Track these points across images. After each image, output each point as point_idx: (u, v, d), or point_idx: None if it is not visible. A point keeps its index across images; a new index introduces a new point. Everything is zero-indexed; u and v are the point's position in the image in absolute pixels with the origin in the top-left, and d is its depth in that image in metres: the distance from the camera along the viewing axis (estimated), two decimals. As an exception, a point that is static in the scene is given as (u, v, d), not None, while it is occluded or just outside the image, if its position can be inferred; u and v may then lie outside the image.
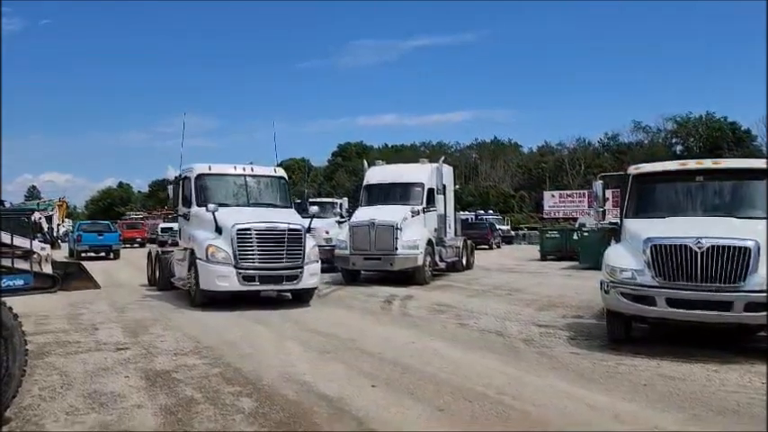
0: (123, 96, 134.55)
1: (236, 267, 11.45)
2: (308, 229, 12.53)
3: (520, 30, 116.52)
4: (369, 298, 13.59)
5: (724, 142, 60.67)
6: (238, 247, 11.49)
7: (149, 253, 17.12)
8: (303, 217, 13.15)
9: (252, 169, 13.50)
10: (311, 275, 12.13)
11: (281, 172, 14.01)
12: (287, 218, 12.31)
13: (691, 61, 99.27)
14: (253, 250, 11.59)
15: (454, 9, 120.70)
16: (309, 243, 12.25)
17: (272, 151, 13.14)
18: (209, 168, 13.15)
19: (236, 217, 11.85)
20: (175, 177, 14.08)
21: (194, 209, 12.72)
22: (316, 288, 12.73)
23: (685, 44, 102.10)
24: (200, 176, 12.97)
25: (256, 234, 11.62)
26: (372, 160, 20.73)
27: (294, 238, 11.90)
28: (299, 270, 11.86)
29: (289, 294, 12.87)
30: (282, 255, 11.74)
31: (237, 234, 11.52)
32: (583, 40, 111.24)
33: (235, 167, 13.34)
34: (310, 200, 15.87)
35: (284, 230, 11.83)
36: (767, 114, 55.01)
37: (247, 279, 11.56)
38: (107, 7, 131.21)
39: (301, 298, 12.54)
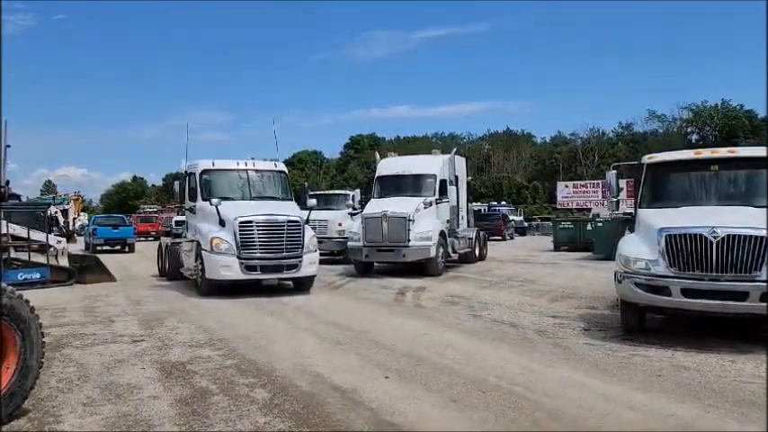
0: (137, 90, 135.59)
1: (238, 258, 12.13)
2: (307, 221, 13.19)
3: (532, 19, 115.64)
4: (382, 289, 13.61)
5: (740, 131, 59.87)
6: (240, 238, 12.14)
7: (160, 245, 17.73)
8: (303, 209, 13.83)
9: (254, 164, 14.12)
10: (310, 264, 12.84)
11: (281, 166, 14.58)
12: (287, 210, 12.92)
13: (706, 49, 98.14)
14: (254, 241, 12.24)
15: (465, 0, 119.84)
16: (308, 234, 12.96)
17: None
18: (213, 164, 13.76)
19: (238, 210, 12.49)
20: (183, 173, 14.66)
21: (199, 203, 13.35)
22: (315, 276, 13.32)
23: (700, 31, 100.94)
24: (204, 172, 13.60)
25: (257, 226, 12.27)
26: (384, 152, 20.72)
27: (293, 230, 12.57)
28: (299, 259, 12.59)
29: (290, 283, 13.47)
30: (282, 245, 12.42)
31: (239, 226, 12.17)
32: (596, 29, 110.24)
33: (237, 163, 13.96)
34: (310, 192, 16.14)
35: (284, 222, 12.48)
36: (767, 106, 54.35)
37: (250, 268, 12.22)
38: (120, 2, 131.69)
39: (301, 286, 13.20)
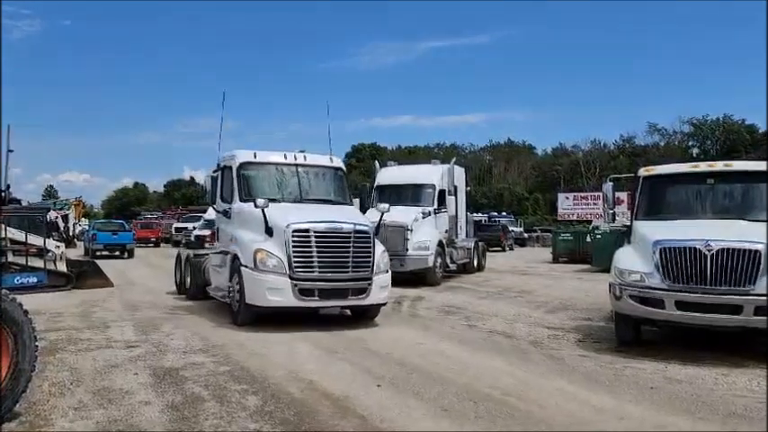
0: (140, 97, 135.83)
1: (291, 278, 9.30)
2: (377, 231, 10.50)
3: (534, 31, 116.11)
4: (379, 299, 13.57)
5: (741, 145, 60.00)
6: (294, 252, 9.34)
7: (178, 255, 14.88)
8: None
9: (304, 158, 11.33)
10: (381, 288, 9.97)
11: (338, 162, 11.81)
12: (351, 217, 10.18)
13: (708, 62, 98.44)
14: (312, 256, 9.41)
15: (468, 11, 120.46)
16: (379, 248, 10.11)
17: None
18: (255, 156, 11.01)
19: (289, 215, 9.74)
20: (217, 166, 11.77)
21: (237, 204, 10.66)
22: (385, 304, 10.49)
23: (703, 45, 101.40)
24: (243, 166, 10.85)
25: (316, 236, 9.44)
26: (384, 161, 20.77)
27: (362, 243, 9.75)
28: (368, 282, 9.72)
29: (347, 311, 10.73)
30: (348, 263, 9.57)
31: (293, 236, 9.38)
32: (597, 41, 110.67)
33: (285, 155, 11.14)
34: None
35: (350, 232, 9.63)
36: (767, 116, 54.52)
37: (305, 293, 9.36)
38: (126, 7, 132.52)
39: (366, 315, 10.34)
